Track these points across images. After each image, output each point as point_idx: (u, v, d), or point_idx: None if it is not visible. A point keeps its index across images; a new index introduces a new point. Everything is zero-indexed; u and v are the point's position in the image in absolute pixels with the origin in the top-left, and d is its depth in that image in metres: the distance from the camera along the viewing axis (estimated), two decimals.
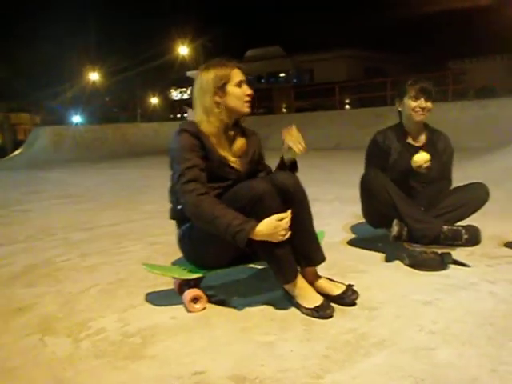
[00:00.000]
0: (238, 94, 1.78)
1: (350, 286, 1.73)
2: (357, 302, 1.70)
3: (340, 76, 27.22)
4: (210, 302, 1.78)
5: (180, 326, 1.60)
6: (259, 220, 1.59)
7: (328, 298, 1.70)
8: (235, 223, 1.57)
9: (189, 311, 1.71)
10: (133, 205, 4.43)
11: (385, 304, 1.69)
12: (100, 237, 3.08)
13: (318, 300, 1.63)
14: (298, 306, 1.66)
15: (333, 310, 1.61)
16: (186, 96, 37.26)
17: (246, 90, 1.80)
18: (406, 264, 2.12)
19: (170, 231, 3.09)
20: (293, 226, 1.65)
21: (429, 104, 2.29)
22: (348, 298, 1.69)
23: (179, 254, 2.45)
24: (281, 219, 1.59)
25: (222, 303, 1.79)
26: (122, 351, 1.43)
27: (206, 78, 1.79)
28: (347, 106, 21.37)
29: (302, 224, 1.72)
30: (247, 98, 1.80)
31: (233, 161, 1.78)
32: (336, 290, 1.72)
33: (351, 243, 2.58)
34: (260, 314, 1.67)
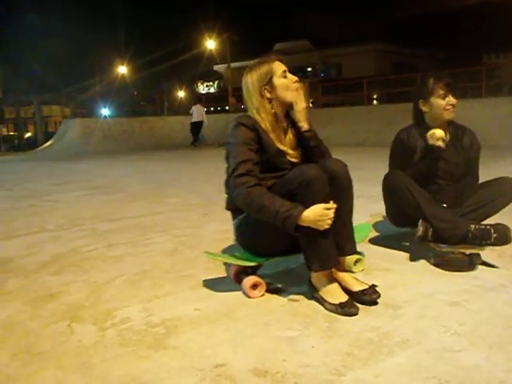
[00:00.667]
0: (286, 84, 1.83)
1: (372, 286, 1.71)
2: (378, 301, 1.66)
3: (368, 71, 26.83)
4: (268, 289, 1.81)
5: (203, 317, 1.61)
6: (306, 204, 1.61)
7: (348, 292, 1.69)
8: (283, 209, 1.62)
9: (249, 297, 1.75)
10: (158, 197, 4.49)
11: (409, 303, 1.67)
12: (126, 228, 3.13)
13: (344, 297, 1.62)
14: (322, 301, 1.66)
15: (357, 308, 1.60)
16: (212, 90, 37.44)
17: (292, 78, 1.84)
18: (431, 263, 2.08)
19: (194, 224, 3.14)
20: (334, 212, 1.66)
21: (455, 100, 2.24)
22: (369, 295, 1.67)
23: (204, 247, 2.50)
24: (328, 209, 1.61)
25: (277, 291, 1.82)
26: (146, 341, 1.45)
27: (250, 79, 1.85)
28: (375, 102, 21.04)
29: (342, 212, 1.74)
30: (295, 86, 1.83)
31: (291, 154, 1.83)
32: (357, 287, 1.71)
33: (375, 241, 2.54)
34: (283, 308, 1.67)
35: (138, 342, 1.45)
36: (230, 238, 2.64)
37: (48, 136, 20.04)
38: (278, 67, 1.84)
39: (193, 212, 3.60)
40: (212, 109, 24.78)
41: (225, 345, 1.41)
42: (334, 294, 1.64)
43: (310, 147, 1.84)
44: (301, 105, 1.82)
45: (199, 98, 15.01)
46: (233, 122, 1.83)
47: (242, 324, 1.55)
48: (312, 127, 1.86)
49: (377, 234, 2.72)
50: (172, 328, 1.54)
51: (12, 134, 32.35)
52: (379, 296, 1.67)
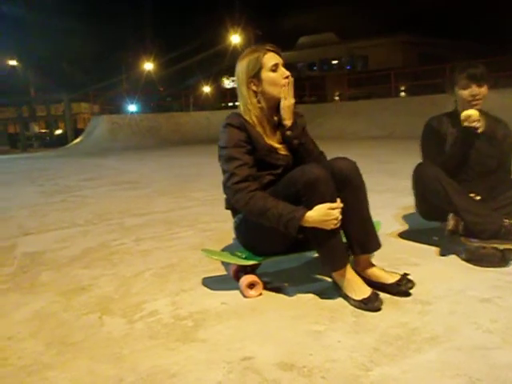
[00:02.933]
0: (274, 78, 1.73)
1: (405, 275, 1.68)
2: (411, 294, 1.65)
3: (395, 62, 26.32)
4: (265, 288, 1.79)
5: (230, 311, 1.63)
6: (312, 205, 1.58)
7: (383, 286, 1.68)
8: (286, 212, 1.59)
9: (245, 296, 1.74)
10: (184, 192, 4.54)
11: (439, 299, 1.63)
12: (153, 222, 3.18)
13: (367, 292, 1.60)
14: (346, 298, 1.64)
15: (381, 302, 1.57)
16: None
17: (283, 72, 1.75)
18: (462, 259, 2.03)
19: (220, 219, 3.16)
20: (349, 212, 1.64)
21: (482, 89, 2.16)
22: (404, 285, 1.65)
23: (230, 241, 2.51)
24: (332, 208, 1.58)
25: (276, 290, 1.80)
26: (175, 333, 1.48)
27: (240, 68, 1.78)
28: (402, 94, 20.64)
29: (358, 210, 1.70)
30: (285, 81, 1.73)
31: (279, 148, 1.77)
32: (391, 279, 1.69)
33: (403, 235, 2.50)
34: (310, 303, 1.66)
35: (167, 334, 1.48)
36: None
37: (77, 133, 20.49)
38: (269, 59, 1.74)
39: (218, 206, 3.60)
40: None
41: (252, 338, 1.42)
42: (357, 289, 1.62)
43: (293, 146, 1.76)
44: (286, 102, 1.73)
45: None
46: (223, 122, 1.78)
47: (269, 318, 1.56)
48: (298, 124, 1.76)
49: (406, 227, 2.67)
50: (200, 321, 1.55)
51: (43, 131, 33.26)
52: (414, 284, 1.65)
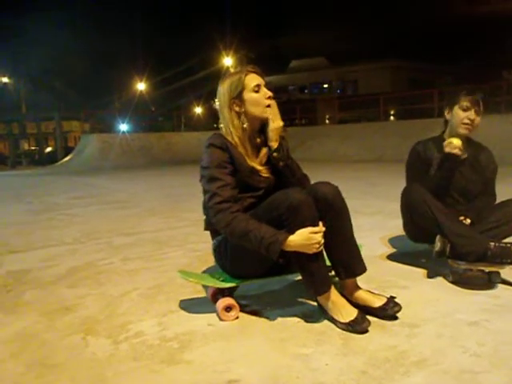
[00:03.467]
0: (256, 99, 1.74)
1: (391, 298, 1.68)
2: (398, 317, 1.65)
3: (384, 87, 26.84)
4: (242, 311, 1.78)
5: (217, 333, 1.60)
6: (294, 229, 1.58)
7: (369, 310, 1.67)
8: (268, 235, 1.57)
9: (221, 319, 1.71)
10: (174, 212, 4.52)
11: (426, 322, 1.63)
12: (142, 242, 3.15)
13: (353, 313, 1.59)
14: (333, 321, 1.63)
15: (368, 323, 1.57)
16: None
17: (266, 93, 1.75)
18: (449, 281, 2.04)
19: (209, 239, 3.11)
20: (333, 236, 1.64)
21: (478, 118, 2.21)
22: (390, 309, 1.64)
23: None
24: (315, 232, 1.57)
25: (255, 313, 1.78)
26: (160, 355, 1.45)
27: (222, 90, 1.78)
28: (392, 118, 20.98)
29: (343, 234, 1.70)
30: (267, 102, 1.74)
31: (261, 169, 1.76)
32: (377, 302, 1.68)
33: (391, 258, 2.51)
34: (297, 325, 1.65)
35: (151, 356, 1.45)
36: None
37: (68, 151, 20.41)
38: (251, 80, 1.74)
39: None
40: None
41: (238, 360, 1.40)
42: (343, 311, 1.61)
43: (278, 168, 1.76)
44: (274, 124, 1.73)
45: None
46: (205, 142, 1.78)
47: (256, 340, 1.54)
48: (283, 146, 1.75)
49: (394, 250, 2.68)
50: (186, 343, 1.53)
51: (33, 148, 33.11)
52: (400, 308, 1.64)
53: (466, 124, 2.21)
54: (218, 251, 1.84)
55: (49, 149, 29.42)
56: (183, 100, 30.85)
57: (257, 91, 1.75)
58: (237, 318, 1.72)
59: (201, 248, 2.89)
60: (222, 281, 1.79)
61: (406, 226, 2.39)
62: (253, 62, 24.04)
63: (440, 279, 2.09)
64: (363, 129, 14.24)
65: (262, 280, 1.84)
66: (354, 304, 1.68)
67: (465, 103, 2.21)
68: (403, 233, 2.45)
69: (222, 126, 1.81)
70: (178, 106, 27.37)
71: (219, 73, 26.41)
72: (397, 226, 2.83)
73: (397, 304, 1.65)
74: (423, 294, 1.92)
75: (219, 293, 1.79)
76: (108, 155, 15.22)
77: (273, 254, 1.57)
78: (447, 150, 2.18)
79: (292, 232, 1.58)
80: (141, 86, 31.53)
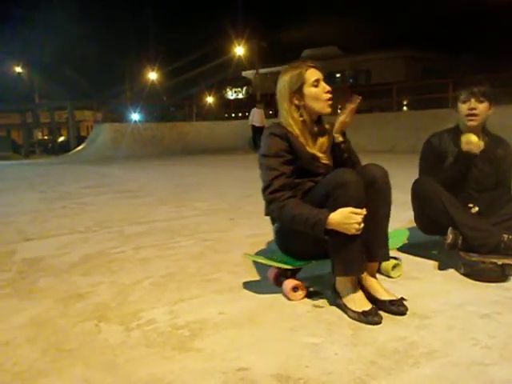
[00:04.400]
0: (316, 94, 1.81)
1: (401, 299, 1.67)
2: (404, 314, 1.63)
3: (398, 77, 26.49)
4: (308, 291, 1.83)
5: (228, 321, 1.62)
6: (337, 207, 1.60)
7: (376, 300, 1.67)
8: (311, 215, 1.64)
9: (289, 299, 1.77)
10: (186, 201, 4.54)
11: (437, 313, 1.63)
12: (154, 231, 3.18)
13: (367, 305, 1.60)
14: (345, 308, 1.64)
15: (381, 317, 1.57)
16: (240, 96, 37.70)
17: (324, 87, 1.82)
18: (461, 273, 2.03)
19: (221, 228, 3.16)
20: (368, 216, 1.65)
21: (481, 106, 2.16)
22: (396, 307, 1.63)
23: (230, 251, 2.52)
24: (356, 213, 1.59)
25: (316, 294, 1.83)
26: (171, 342, 1.47)
27: (282, 83, 1.85)
28: (405, 108, 20.73)
29: (377, 217, 1.73)
30: (327, 96, 1.81)
31: (322, 156, 1.83)
32: (386, 296, 1.68)
33: (403, 249, 2.49)
34: (307, 315, 1.66)
35: (163, 343, 1.47)
36: (256, 243, 2.65)
37: (80, 140, 20.55)
38: (311, 75, 1.81)
39: (219, 216, 3.62)
40: (240, 114, 24.94)
41: (248, 349, 1.41)
42: (358, 301, 1.62)
43: (342, 158, 1.84)
44: (346, 118, 1.81)
45: (259, 101, 14.64)
46: (265, 131, 1.85)
47: (266, 329, 1.55)
48: (346, 138, 1.85)
49: (405, 241, 2.67)
50: (196, 331, 1.55)
51: (46, 137, 33.42)
52: (407, 309, 1.63)
53: (469, 115, 2.18)
54: (278, 235, 1.90)
55: (61, 138, 29.68)
56: (195, 89, 30.84)
57: (316, 86, 1.81)
58: (304, 297, 1.79)
59: (212, 237, 2.91)
60: (285, 262, 1.85)
61: (418, 218, 2.37)
62: (265, 51, 23.88)
63: (451, 271, 2.08)
64: (375, 119, 14.09)
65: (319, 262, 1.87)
66: (364, 290, 1.70)
67: (462, 96, 2.20)
68: (415, 224, 2.44)
69: (281, 117, 1.86)
70: (189, 95, 27.37)
71: (231, 62, 26.30)
72: (408, 218, 2.82)
73: (404, 306, 1.64)
74: (434, 286, 1.92)
75: (282, 275, 1.87)
76: (120, 145, 15.30)
77: (319, 233, 1.63)
78: (465, 147, 2.14)
79: (334, 210, 1.61)
80: (152, 76, 31.55)
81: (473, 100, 2.17)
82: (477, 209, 2.15)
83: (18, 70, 30.88)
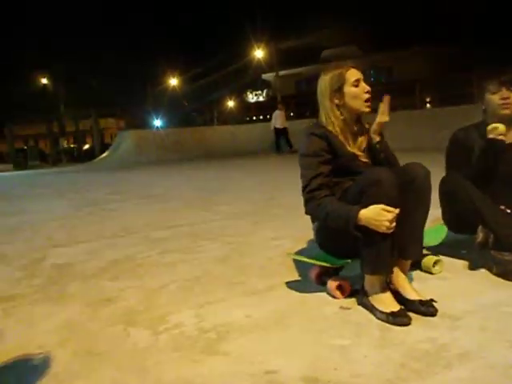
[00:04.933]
0: (356, 93, 1.82)
1: (431, 300, 1.64)
2: (434, 315, 1.59)
3: (420, 74, 26.04)
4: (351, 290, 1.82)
5: (254, 324, 1.62)
6: (369, 203, 1.60)
7: (404, 300, 1.65)
8: (343, 212, 1.65)
9: (333, 297, 1.78)
10: (209, 205, 4.57)
11: (469, 314, 1.58)
12: (178, 235, 3.21)
13: (396, 306, 1.58)
14: (373, 309, 1.62)
15: (410, 319, 1.54)
16: (261, 98, 37.77)
17: (364, 87, 1.83)
18: (493, 273, 1.97)
19: (244, 232, 3.16)
20: (406, 214, 1.64)
21: (510, 93, 2.12)
22: (426, 308, 1.60)
23: (255, 254, 2.52)
24: (388, 211, 1.58)
25: (307, 301, 1.80)
26: (198, 346, 1.48)
27: (323, 82, 1.88)
28: (428, 105, 20.37)
29: (414, 215, 1.71)
30: (366, 96, 1.83)
31: (361, 155, 1.85)
32: (415, 296, 1.65)
33: (430, 248, 2.44)
34: (334, 316, 1.64)
35: (191, 346, 1.48)
36: (280, 246, 2.65)
37: (104, 147, 20.96)
38: (351, 75, 1.83)
39: (243, 220, 3.63)
40: (261, 117, 24.97)
41: (276, 352, 1.40)
42: (386, 302, 1.60)
43: (379, 158, 1.84)
44: (383, 117, 1.80)
45: (280, 102, 14.61)
46: (304, 131, 1.87)
47: (294, 331, 1.54)
48: (383, 138, 1.85)
49: (443, 239, 2.61)
50: (223, 334, 1.55)
51: (72, 146, 34.20)
52: (437, 311, 1.59)
53: (503, 104, 2.13)
54: (319, 233, 1.91)
55: (86, 146, 30.31)
56: (215, 94, 31.04)
57: (356, 85, 1.83)
58: (347, 296, 1.79)
59: (236, 241, 2.91)
60: (327, 261, 1.86)
61: (446, 215, 2.32)
62: (284, 54, 23.86)
63: (482, 271, 2.02)
64: (398, 117, 13.86)
65: None
66: (392, 290, 1.67)
67: (491, 87, 2.15)
68: (441, 223, 2.38)
69: (321, 116, 1.89)
70: (210, 100, 27.58)
71: (250, 65, 26.38)
72: (435, 216, 2.76)
73: (434, 307, 1.61)
74: (465, 286, 1.87)
75: (324, 274, 1.88)
76: (143, 151, 15.53)
77: (351, 229, 1.63)
78: (491, 135, 2.09)
79: (366, 206, 1.60)
80: (173, 82, 31.93)
81: (504, 89, 2.12)
82: (509, 211, 2.08)
83: (44, 81, 31.76)
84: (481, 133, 2.22)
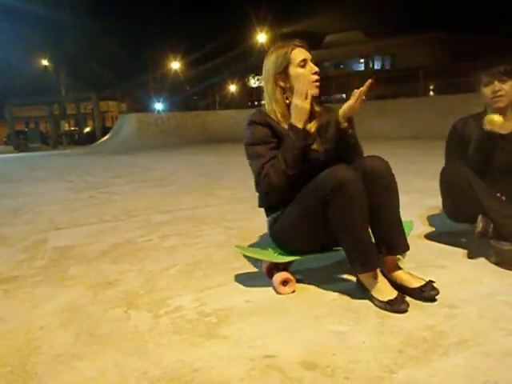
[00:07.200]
0: (302, 74, 1.71)
1: (430, 282, 1.65)
2: (436, 299, 1.61)
3: (424, 61, 25.80)
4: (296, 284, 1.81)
5: (254, 309, 1.63)
6: (342, 208, 1.57)
7: (406, 290, 1.65)
8: (288, 143, 1.66)
9: (278, 293, 1.75)
10: (210, 190, 4.58)
11: (467, 303, 1.60)
12: (179, 219, 3.22)
13: (393, 294, 1.58)
14: (371, 298, 1.63)
15: (407, 305, 1.55)
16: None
17: (312, 68, 1.73)
18: (492, 262, 1.98)
19: (245, 217, 3.17)
20: (378, 211, 1.64)
21: (505, 86, 2.11)
22: (427, 292, 1.61)
23: (255, 239, 2.52)
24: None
25: (305, 288, 1.81)
26: (198, 329, 1.49)
27: (267, 64, 1.78)
28: (431, 93, 20.23)
29: (388, 210, 1.68)
30: (314, 78, 1.72)
31: (310, 142, 1.73)
32: (415, 283, 1.66)
33: (430, 237, 2.46)
34: (334, 303, 1.65)
35: (191, 330, 1.49)
36: None
37: (105, 130, 20.89)
38: (297, 55, 1.72)
39: (244, 205, 3.63)
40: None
41: (275, 336, 1.42)
42: (383, 290, 1.60)
43: (346, 145, 1.76)
44: (352, 101, 1.67)
45: None
46: (246, 120, 1.79)
47: (293, 317, 1.56)
48: (353, 124, 1.75)
49: (432, 229, 2.62)
50: (223, 318, 1.57)
51: (73, 129, 34.10)
52: (438, 293, 1.61)
53: (494, 97, 2.12)
54: (273, 228, 1.86)
55: (87, 129, 30.22)
56: (217, 78, 30.81)
57: (303, 66, 1.73)
58: (293, 291, 1.76)
59: (237, 226, 2.92)
60: (278, 255, 1.83)
61: (446, 205, 2.32)
62: (287, 38, 23.61)
63: (481, 260, 2.04)
64: (401, 104, 13.80)
65: (312, 256, 1.85)
66: (392, 282, 1.67)
67: (485, 79, 2.15)
68: (441, 212, 2.39)
69: (264, 102, 1.80)
70: (212, 84, 27.40)
71: (253, 50, 26.14)
72: (434, 205, 2.77)
73: (434, 288, 1.62)
74: (463, 275, 1.88)
75: (274, 267, 1.84)
76: (144, 134, 15.50)
77: (300, 142, 1.65)
78: (488, 127, 2.09)
79: (336, 212, 1.58)
80: (175, 65, 31.68)
81: (496, 82, 2.11)
82: (504, 198, 2.08)
83: (45, 63, 31.50)
84: (480, 123, 2.21)
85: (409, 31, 30.22)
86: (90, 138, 22.14)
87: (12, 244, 2.78)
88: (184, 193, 4.51)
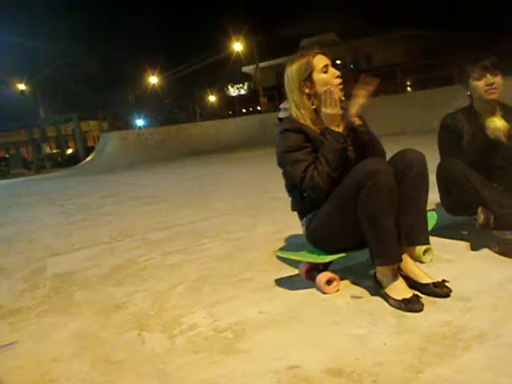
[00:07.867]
0: (326, 79, 1.79)
1: (443, 281, 1.66)
2: (448, 296, 1.62)
3: (399, 58, 26.22)
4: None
5: (269, 320, 1.62)
6: (371, 196, 1.60)
7: (417, 284, 1.67)
8: (327, 146, 1.72)
9: (324, 293, 1.77)
10: (204, 203, 4.55)
11: (479, 294, 1.61)
12: (178, 235, 3.19)
13: (408, 293, 1.59)
14: (386, 297, 1.63)
15: (422, 304, 1.56)
16: (242, 92, 37.61)
17: (334, 73, 1.81)
18: (496, 252, 2.00)
19: (245, 227, 3.15)
20: (406, 200, 1.67)
21: (497, 78, 2.14)
22: (440, 288, 1.63)
23: (257, 249, 2.51)
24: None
25: (317, 293, 1.81)
26: (217, 346, 1.47)
27: (290, 73, 1.83)
28: (408, 89, 20.51)
29: (416, 201, 1.72)
30: (337, 81, 1.80)
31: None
32: (428, 279, 1.67)
33: (431, 232, 2.46)
34: (347, 306, 1.65)
35: (209, 347, 1.48)
36: (282, 239, 2.65)
37: (88, 151, 20.68)
38: (319, 61, 1.80)
39: (241, 215, 3.62)
40: (244, 110, 24.89)
41: (295, 346, 1.41)
42: (399, 289, 1.61)
43: (362, 141, 1.82)
44: (360, 100, 1.75)
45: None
46: (278, 129, 1.83)
47: (309, 324, 1.55)
48: (364, 120, 1.83)
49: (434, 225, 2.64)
50: (240, 332, 1.55)
51: (54, 151, 33.68)
52: (451, 290, 1.62)
53: (488, 90, 2.15)
54: (309, 229, 1.88)
55: (69, 150, 29.87)
56: (196, 90, 30.83)
57: (325, 71, 1.80)
58: (337, 290, 1.79)
59: (237, 237, 2.91)
60: (319, 256, 1.84)
61: (444, 199, 2.35)
62: (263, 45, 23.75)
63: (486, 251, 2.06)
64: (381, 102, 13.91)
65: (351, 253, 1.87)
66: (404, 276, 1.69)
67: (475, 74, 2.16)
68: (437, 206, 2.41)
69: (291, 110, 1.84)
70: (191, 96, 27.38)
71: (230, 59, 26.23)
72: (431, 199, 2.78)
73: (448, 287, 1.63)
74: (470, 267, 1.90)
75: (314, 269, 1.86)
76: (128, 151, 15.37)
77: (339, 145, 1.71)
78: (493, 134, 2.08)
79: (369, 199, 1.60)
80: (153, 80, 31.60)
81: (488, 75, 2.13)
82: (501, 189, 2.11)
83: (21, 87, 31.15)
84: (468, 118, 2.25)
85: (380, 30, 30.70)
86: (73, 160, 21.88)
87: (10, 275, 2.73)
88: (178, 207, 4.48)
